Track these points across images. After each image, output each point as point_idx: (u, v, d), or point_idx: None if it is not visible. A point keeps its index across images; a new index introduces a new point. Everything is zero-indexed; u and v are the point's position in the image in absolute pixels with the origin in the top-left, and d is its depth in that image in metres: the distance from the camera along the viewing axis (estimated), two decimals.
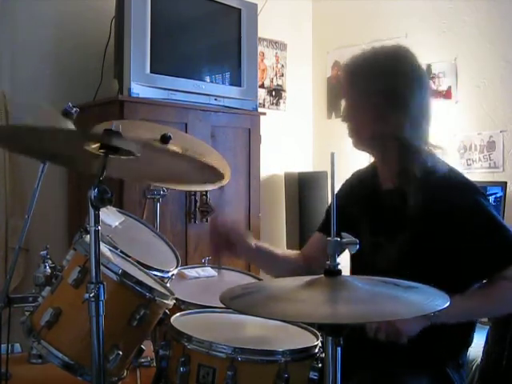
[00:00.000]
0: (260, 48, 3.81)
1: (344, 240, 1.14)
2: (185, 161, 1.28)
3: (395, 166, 1.59)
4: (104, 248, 1.41)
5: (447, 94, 3.55)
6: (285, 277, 1.32)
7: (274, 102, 4.10)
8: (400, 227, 1.54)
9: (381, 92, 1.52)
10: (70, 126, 1.55)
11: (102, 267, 1.22)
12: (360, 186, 1.73)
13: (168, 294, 1.44)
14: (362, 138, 1.62)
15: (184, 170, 1.37)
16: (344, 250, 1.17)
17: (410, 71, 1.55)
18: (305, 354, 1.29)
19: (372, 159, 1.72)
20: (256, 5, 3.28)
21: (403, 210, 1.54)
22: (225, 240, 1.63)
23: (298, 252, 1.90)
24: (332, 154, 1.13)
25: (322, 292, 1.09)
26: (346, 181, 1.81)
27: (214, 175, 1.31)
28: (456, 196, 1.49)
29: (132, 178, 2.30)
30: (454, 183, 1.54)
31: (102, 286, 1.18)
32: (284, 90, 4.16)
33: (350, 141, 1.66)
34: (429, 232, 1.49)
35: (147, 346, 1.55)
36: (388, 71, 1.53)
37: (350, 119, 1.63)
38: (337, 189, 1.64)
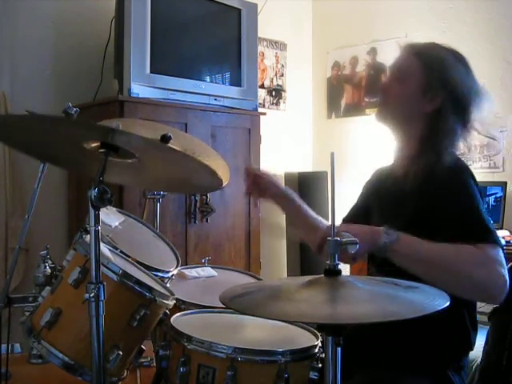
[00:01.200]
0: (260, 48, 3.81)
1: (344, 240, 1.14)
2: (184, 164, 1.27)
3: (411, 149, 1.61)
4: (104, 248, 1.41)
5: None
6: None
7: (274, 102, 4.10)
8: (400, 212, 1.56)
9: (437, 79, 1.56)
10: None
11: (102, 267, 1.22)
12: (379, 177, 1.78)
13: (168, 294, 1.44)
14: (397, 113, 1.64)
15: (183, 176, 1.36)
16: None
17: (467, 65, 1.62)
18: (305, 353, 1.28)
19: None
20: (256, 5, 3.29)
21: (405, 194, 1.56)
22: (256, 183, 1.81)
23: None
24: (332, 154, 1.13)
25: (322, 292, 1.09)
26: (373, 173, 1.85)
27: (214, 181, 1.30)
28: (447, 176, 1.51)
29: (131, 184, 2.29)
30: (449, 165, 1.54)
31: (102, 286, 1.18)
32: (284, 90, 4.16)
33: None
34: (421, 216, 1.49)
35: (147, 346, 1.55)
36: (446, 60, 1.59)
37: (390, 94, 1.65)
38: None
